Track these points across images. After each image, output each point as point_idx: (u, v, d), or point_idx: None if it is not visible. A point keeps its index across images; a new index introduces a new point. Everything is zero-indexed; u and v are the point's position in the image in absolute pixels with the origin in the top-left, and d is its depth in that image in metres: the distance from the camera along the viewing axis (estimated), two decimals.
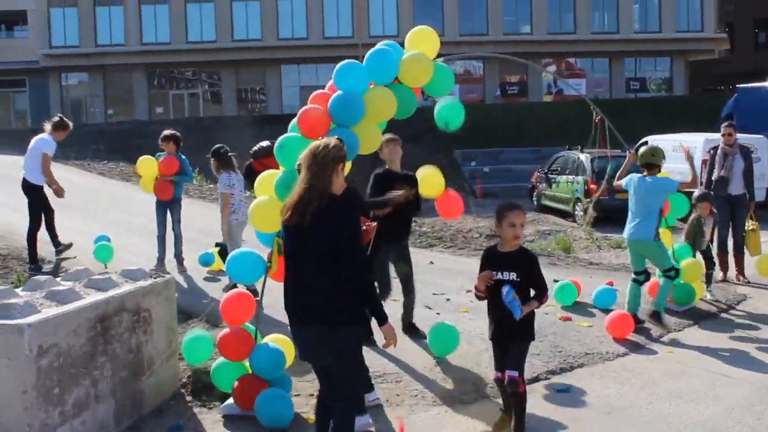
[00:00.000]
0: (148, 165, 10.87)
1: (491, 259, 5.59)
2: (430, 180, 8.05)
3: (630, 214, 8.56)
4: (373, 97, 6.39)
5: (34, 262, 10.82)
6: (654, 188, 8.39)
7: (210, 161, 10.20)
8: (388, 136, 7.49)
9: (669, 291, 8.65)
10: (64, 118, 11.20)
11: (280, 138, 6.34)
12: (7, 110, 46.74)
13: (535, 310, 5.53)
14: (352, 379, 4.72)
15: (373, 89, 6.46)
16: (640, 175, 8.57)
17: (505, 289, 5.33)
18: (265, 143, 12.80)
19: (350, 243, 4.47)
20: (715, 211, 10.10)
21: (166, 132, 11.19)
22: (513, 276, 5.44)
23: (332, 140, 4.69)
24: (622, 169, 9.01)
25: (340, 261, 4.43)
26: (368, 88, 6.45)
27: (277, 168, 6.41)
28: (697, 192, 9.55)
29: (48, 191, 11.04)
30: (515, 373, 5.43)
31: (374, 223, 5.40)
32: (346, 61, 6.49)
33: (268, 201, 6.13)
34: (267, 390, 5.95)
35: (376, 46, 6.59)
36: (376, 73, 6.50)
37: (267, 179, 6.34)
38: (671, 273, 8.50)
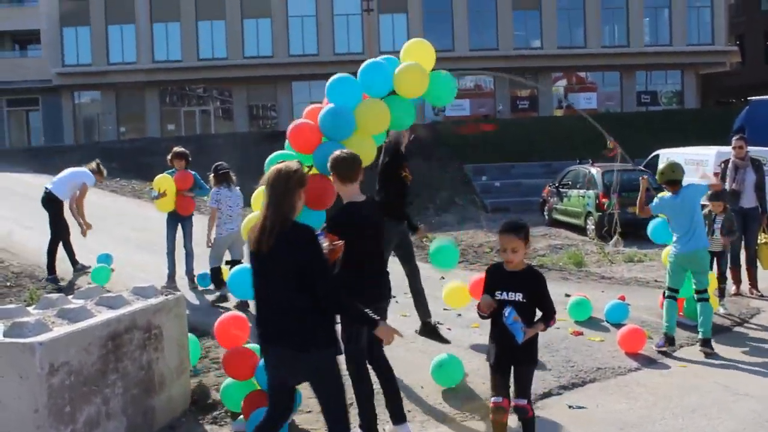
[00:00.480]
0: (166, 182, 10.97)
1: (496, 277, 5.31)
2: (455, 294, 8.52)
3: (676, 234, 8.32)
4: (364, 110, 6.34)
5: (52, 273, 10.94)
6: (687, 201, 8.26)
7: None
8: None
9: (712, 315, 8.38)
10: (101, 165, 11.70)
11: (272, 155, 6.30)
12: (21, 128, 47.07)
13: (539, 331, 5.30)
14: (336, 403, 4.68)
15: (365, 102, 6.42)
16: (666, 195, 8.43)
17: (506, 311, 5.09)
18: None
19: (315, 264, 4.48)
20: (729, 207, 10.06)
21: (176, 149, 11.30)
22: (519, 297, 5.17)
23: (294, 164, 4.68)
24: (640, 195, 8.86)
25: (305, 283, 4.44)
26: (361, 100, 6.41)
27: None
28: (711, 191, 9.42)
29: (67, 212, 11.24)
30: (523, 401, 5.20)
31: (341, 242, 5.37)
32: (338, 75, 6.50)
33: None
34: (258, 411, 5.88)
35: (370, 59, 6.61)
36: (370, 86, 6.48)
37: (261, 195, 6.30)
38: (706, 295, 8.25)
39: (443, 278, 11.94)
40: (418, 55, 6.88)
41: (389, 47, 43.67)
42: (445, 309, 9.64)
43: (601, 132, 9.10)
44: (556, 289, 10.92)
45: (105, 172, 11.78)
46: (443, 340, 7.86)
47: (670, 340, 8.24)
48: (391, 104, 6.52)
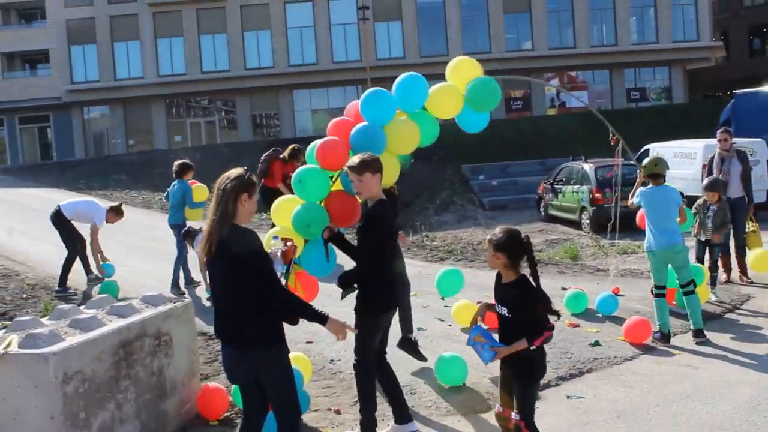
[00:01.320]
0: (204, 192, 11.16)
1: (495, 288, 4.95)
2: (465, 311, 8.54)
3: (650, 227, 8.28)
4: (396, 129, 6.19)
5: (62, 285, 10.95)
6: (665, 196, 8.24)
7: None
8: None
9: (700, 306, 8.32)
10: (122, 206, 11.51)
11: (297, 171, 6.11)
12: (33, 145, 47.21)
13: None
14: (284, 401, 4.65)
15: (398, 122, 6.25)
16: (647, 187, 8.41)
17: (472, 331, 4.80)
18: (263, 157, 13.01)
19: (258, 267, 4.47)
20: (724, 198, 10.05)
21: (185, 162, 11.33)
22: (504, 311, 4.77)
23: (237, 171, 4.62)
24: (634, 188, 8.85)
25: (246, 286, 4.45)
26: (393, 118, 6.25)
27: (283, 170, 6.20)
28: (706, 181, 9.35)
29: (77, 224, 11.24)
30: (517, 416, 4.75)
31: (291, 243, 5.30)
32: (374, 89, 6.29)
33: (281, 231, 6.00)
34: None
35: (405, 75, 6.44)
36: (405, 101, 6.35)
37: (282, 207, 6.19)
38: (690, 287, 8.21)
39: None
40: (463, 72, 6.70)
41: (386, 54, 43.80)
42: (446, 306, 9.65)
43: (600, 127, 9.08)
44: (552, 283, 10.94)
45: (123, 215, 11.52)
46: (421, 358, 7.46)
47: (665, 337, 8.19)
48: (419, 122, 6.39)
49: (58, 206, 11.23)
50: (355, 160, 5.39)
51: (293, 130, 44.09)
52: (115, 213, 11.26)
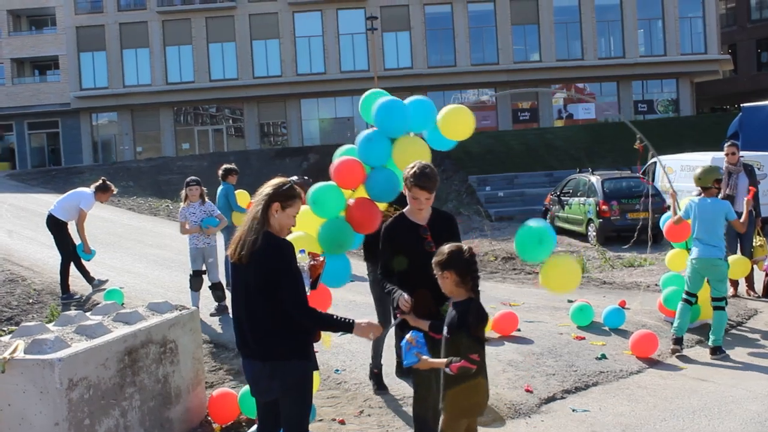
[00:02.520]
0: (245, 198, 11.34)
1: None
2: None
3: (698, 239, 8.21)
4: (404, 146, 6.05)
5: (66, 292, 10.93)
6: (717, 209, 8.20)
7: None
8: None
9: (725, 324, 8.26)
10: (107, 182, 11.39)
11: (311, 191, 6.00)
12: (42, 150, 47.40)
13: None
14: (298, 416, 4.56)
15: (407, 139, 6.14)
16: (696, 199, 8.35)
17: (411, 332, 4.58)
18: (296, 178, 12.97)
19: (286, 280, 4.39)
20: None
21: (229, 166, 11.66)
22: (445, 331, 4.57)
23: (277, 180, 4.60)
24: (673, 206, 8.91)
25: (277, 297, 4.37)
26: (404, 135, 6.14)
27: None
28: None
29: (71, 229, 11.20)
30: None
31: (322, 258, 5.20)
32: (389, 98, 6.16)
33: (302, 237, 5.92)
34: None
35: (414, 97, 6.33)
36: (417, 122, 6.28)
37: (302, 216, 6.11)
38: (722, 303, 8.14)
39: None
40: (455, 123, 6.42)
41: (393, 64, 43.90)
42: None
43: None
44: (558, 295, 10.90)
45: (113, 187, 11.41)
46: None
47: (677, 341, 8.19)
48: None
49: (49, 212, 11.20)
50: (434, 180, 5.11)
51: (300, 139, 44.19)
52: (103, 191, 11.19)
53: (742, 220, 8.67)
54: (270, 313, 4.40)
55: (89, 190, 11.22)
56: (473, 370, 4.34)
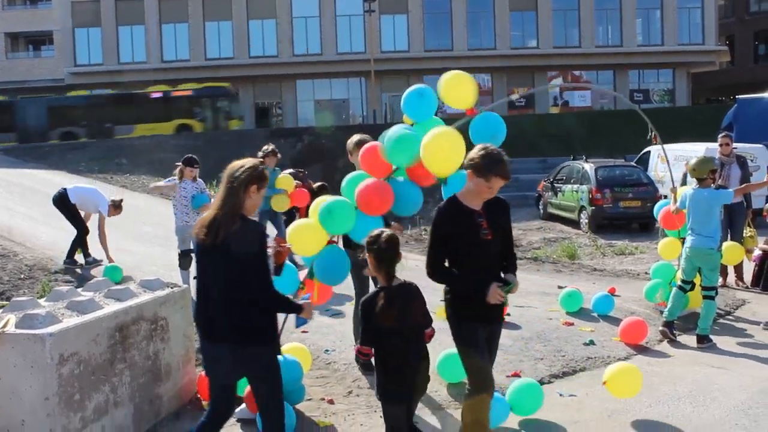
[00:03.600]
0: (287, 182, 11.26)
1: None
2: None
3: (693, 229, 8.28)
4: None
5: (70, 258, 11.18)
6: (712, 199, 8.23)
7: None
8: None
9: (714, 314, 8.34)
10: (122, 203, 11.55)
11: (327, 202, 5.84)
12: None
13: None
14: (277, 397, 4.61)
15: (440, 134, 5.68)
16: (691, 189, 8.43)
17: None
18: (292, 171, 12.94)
19: (261, 265, 4.40)
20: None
21: (269, 148, 11.51)
22: None
23: (251, 160, 4.55)
24: (672, 199, 8.99)
25: (247, 281, 4.35)
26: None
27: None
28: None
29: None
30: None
31: (289, 245, 5.19)
32: (419, 86, 6.10)
33: (309, 225, 5.92)
34: None
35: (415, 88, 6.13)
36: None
37: (301, 233, 5.96)
38: (712, 293, 8.22)
39: None
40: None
41: (390, 47, 43.79)
42: (441, 300, 9.66)
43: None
44: (549, 281, 10.97)
45: (122, 211, 11.59)
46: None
47: (667, 324, 8.28)
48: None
49: (64, 189, 11.29)
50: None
51: (296, 120, 44.14)
52: (115, 207, 11.36)
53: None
54: (240, 297, 4.35)
55: (107, 198, 11.42)
56: (360, 359, 4.62)
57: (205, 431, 4.69)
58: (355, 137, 6.86)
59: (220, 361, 4.49)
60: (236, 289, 4.35)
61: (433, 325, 4.87)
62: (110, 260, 11.16)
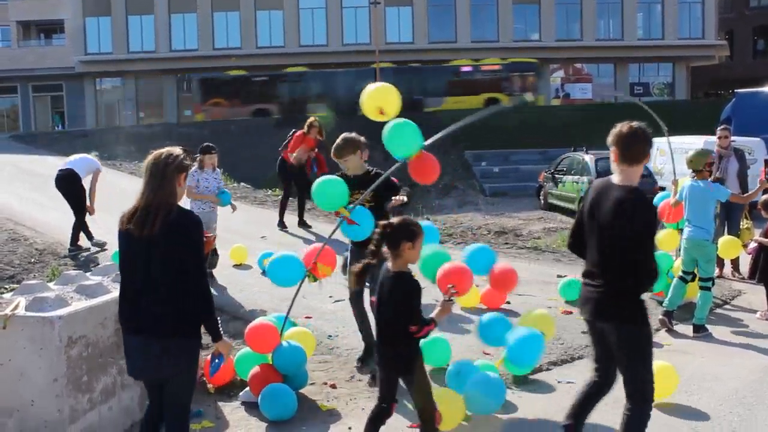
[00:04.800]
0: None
1: None
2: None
3: (689, 221, 8.29)
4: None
5: (75, 244, 11.19)
6: (709, 192, 8.22)
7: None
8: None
9: (710, 304, 8.32)
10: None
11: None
12: (46, 114, 47.19)
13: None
14: (186, 397, 4.37)
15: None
16: (689, 182, 8.41)
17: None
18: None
19: (192, 255, 4.18)
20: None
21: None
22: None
23: (177, 149, 4.34)
24: (673, 191, 9.01)
25: (179, 272, 4.13)
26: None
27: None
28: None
29: None
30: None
31: (213, 234, 5.14)
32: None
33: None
34: (268, 387, 5.91)
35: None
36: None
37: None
38: (708, 284, 8.21)
39: None
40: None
41: (395, 38, 43.67)
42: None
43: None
44: (548, 270, 10.96)
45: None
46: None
47: (667, 314, 8.27)
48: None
49: (71, 169, 11.23)
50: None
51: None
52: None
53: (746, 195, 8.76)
54: (175, 289, 4.13)
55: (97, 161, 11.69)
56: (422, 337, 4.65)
57: (145, 428, 4.49)
58: (343, 138, 6.65)
59: (146, 355, 4.20)
60: (172, 279, 4.13)
61: None
62: (92, 212, 11.23)
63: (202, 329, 4.33)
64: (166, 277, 4.14)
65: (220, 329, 4.38)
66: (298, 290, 6.38)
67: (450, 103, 37.18)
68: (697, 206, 8.23)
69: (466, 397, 5.68)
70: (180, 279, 4.14)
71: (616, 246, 4.40)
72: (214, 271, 9.66)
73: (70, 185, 11.19)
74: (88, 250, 11.33)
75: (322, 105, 36.36)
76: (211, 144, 10.01)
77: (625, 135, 4.50)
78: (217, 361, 4.60)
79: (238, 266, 10.68)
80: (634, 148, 4.49)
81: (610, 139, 4.57)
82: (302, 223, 13.37)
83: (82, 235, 11.32)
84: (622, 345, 4.49)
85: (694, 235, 8.19)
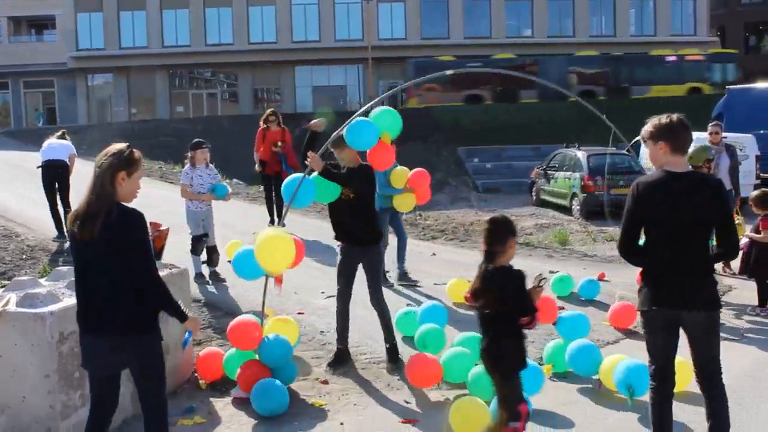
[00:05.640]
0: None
1: None
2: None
3: None
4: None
5: (62, 230, 11.37)
6: None
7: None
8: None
9: None
10: (66, 134, 12.36)
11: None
12: (37, 110, 47.01)
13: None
14: (158, 389, 4.36)
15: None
16: None
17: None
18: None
19: (139, 251, 4.14)
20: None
21: None
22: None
23: (116, 146, 4.27)
24: None
25: (131, 268, 4.11)
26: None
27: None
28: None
29: None
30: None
31: (166, 228, 5.12)
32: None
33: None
34: (260, 382, 5.92)
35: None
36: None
37: (270, 245, 6.30)
38: None
39: (434, 254, 12.00)
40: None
41: (387, 35, 43.64)
42: (435, 284, 9.70)
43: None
44: (541, 266, 10.96)
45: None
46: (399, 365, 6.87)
47: None
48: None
49: (62, 159, 11.52)
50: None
51: (294, 106, 43.99)
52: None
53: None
54: (125, 286, 4.12)
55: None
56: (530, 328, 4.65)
57: (91, 431, 4.40)
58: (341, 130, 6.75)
59: (103, 352, 4.21)
60: (121, 278, 4.12)
61: None
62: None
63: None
64: (112, 276, 4.12)
65: (183, 310, 4.40)
66: (266, 289, 6.47)
67: (655, 91, 38.34)
68: None
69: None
70: (127, 276, 4.12)
71: (708, 232, 4.57)
72: (217, 269, 9.67)
73: (61, 174, 11.47)
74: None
75: (532, 91, 37.07)
76: (200, 139, 9.91)
77: (676, 126, 4.60)
78: (186, 336, 4.73)
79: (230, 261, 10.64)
80: (684, 137, 4.61)
81: (652, 132, 4.64)
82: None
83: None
84: (714, 330, 4.73)
85: None
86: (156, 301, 4.26)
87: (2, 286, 6.02)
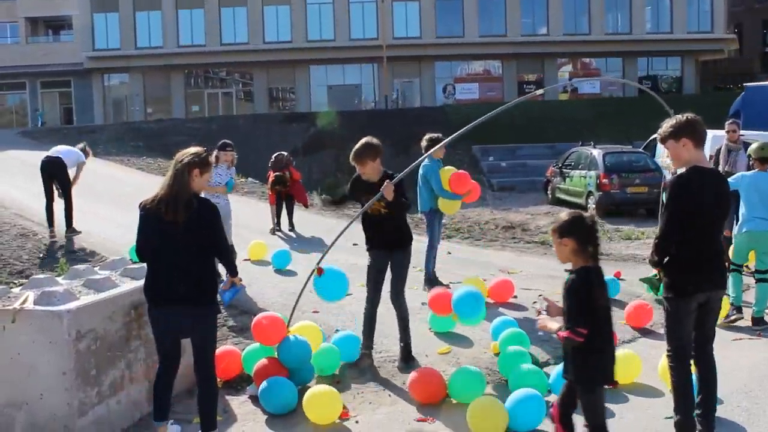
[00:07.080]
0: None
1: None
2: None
3: (747, 210, 8.07)
4: None
5: (71, 226, 11.74)
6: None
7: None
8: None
9: None
10: (87, 147, 12.61)
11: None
12: (54, 109, 47.31)
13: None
14: (213, 350, 5.18)
15: None
16: (753, 171, 8.25)
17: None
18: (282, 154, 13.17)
19: (217, 229, 5.04)
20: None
21: (433, 135, 9.60)
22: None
23: (196, 149, 5.15)
24: None
25: (204, 246, 4.98)
26: None
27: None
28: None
29: None
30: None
31: None
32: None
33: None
34: (267, 380, 5.92)
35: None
36: None
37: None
38: (766, 275, 8.08)
39: (449, 253, 11.98)
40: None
41: (402, 33, 43.60)
42: (451, 282, 9.68)
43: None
44: (556, 264, 10.93)
45: (91, 153, 12.62)
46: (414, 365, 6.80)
47: (737, 309, 8.20)
48: None
49: (59, 157, 11.80)
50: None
51: (308, 105, 44.05)
52: (85, 154, 12.30)
53: None
54: (202, 263, 4.99)
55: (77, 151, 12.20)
56: (578, 342, 4.20)
57: (162, 380, 5.11)
58: (365, 143, 6.65)
59: (181, 321, 4.98)
60: (198, 254, 4.95)
61: None
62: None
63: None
64: (198, 258, 4.96)
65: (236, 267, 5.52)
66: (305, 286, 6.43)
67: None
68: (760, 195, 8.04)
69: None
70: (202, 253, 4.99)
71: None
72: None
73: (58, 170, 11.71)
74: (80, 233, 11.72)
75: None
76: (228, 141, 10.22)
77: (698, 122, 5.04)
78: (230, 293, 5.55)
79: (247, 260, 10.72)
80: (702, 132, 5.06)
81: (672, 131, 5.02)
82: (291, 228, 13.29)
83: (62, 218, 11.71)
84: (718, 308, 5.31)
85: (758, 227, 8.02)
86: (227, 262, 5.35)
87: (20, 285, 6.07)
